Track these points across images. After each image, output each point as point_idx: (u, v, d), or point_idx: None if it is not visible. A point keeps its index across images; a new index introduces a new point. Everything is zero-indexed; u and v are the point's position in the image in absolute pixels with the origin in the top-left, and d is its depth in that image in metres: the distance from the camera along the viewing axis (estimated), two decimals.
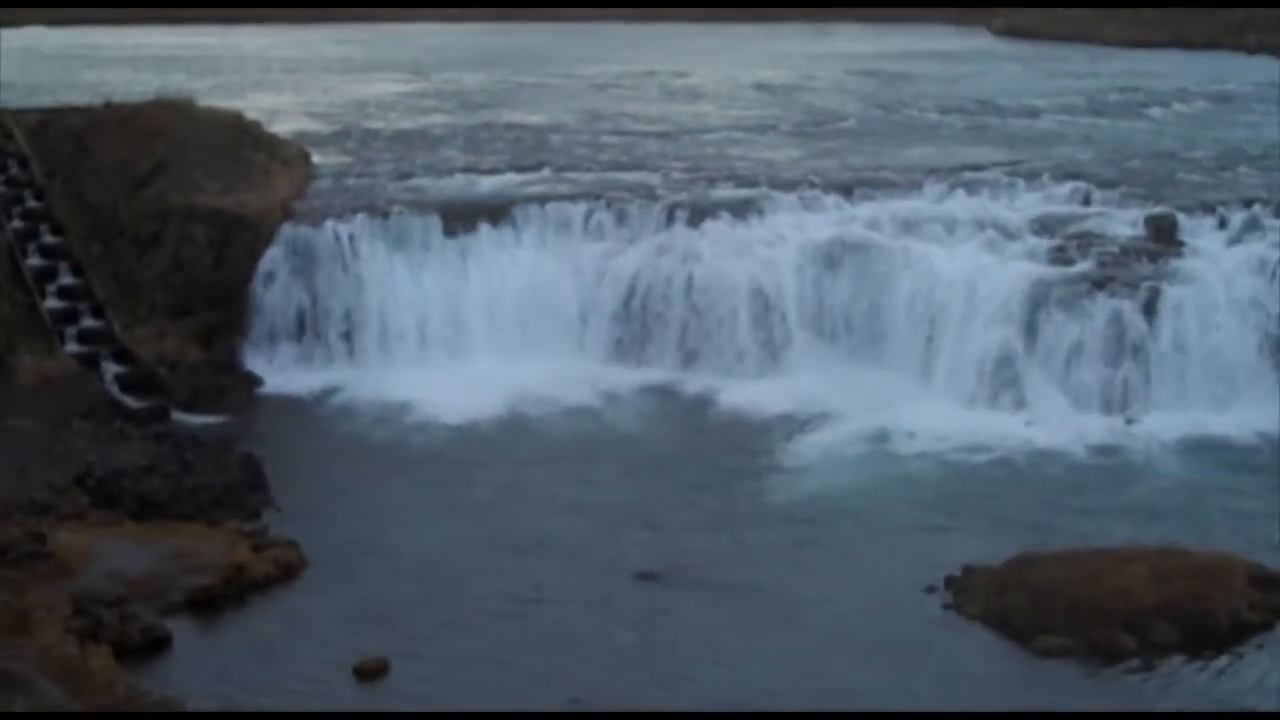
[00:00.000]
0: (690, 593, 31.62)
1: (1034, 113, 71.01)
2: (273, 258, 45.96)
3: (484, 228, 47.54)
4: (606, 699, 27.33)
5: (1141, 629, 29.20)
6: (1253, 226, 46.51)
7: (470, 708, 26.91)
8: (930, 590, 31.42)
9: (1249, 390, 42.53)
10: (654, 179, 52.51)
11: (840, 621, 30.35)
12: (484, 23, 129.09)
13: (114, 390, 42.31)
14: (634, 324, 46.28)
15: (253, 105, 63.72)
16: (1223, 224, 47.07)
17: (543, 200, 48.97)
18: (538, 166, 54.54)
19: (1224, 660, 28.68)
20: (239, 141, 51.52)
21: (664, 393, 44.38)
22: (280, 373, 44.95)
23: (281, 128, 59.19)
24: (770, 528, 35.05)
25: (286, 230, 46.43)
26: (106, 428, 39.68)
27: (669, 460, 39.53)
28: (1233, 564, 31.28)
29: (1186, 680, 28.07)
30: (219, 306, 45.72)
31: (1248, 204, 47.98)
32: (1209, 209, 47.94)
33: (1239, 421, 41.07)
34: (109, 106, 53.84)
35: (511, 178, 52.76)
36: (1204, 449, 39.87)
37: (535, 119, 67.93)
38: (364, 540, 33.92)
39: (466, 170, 54.06)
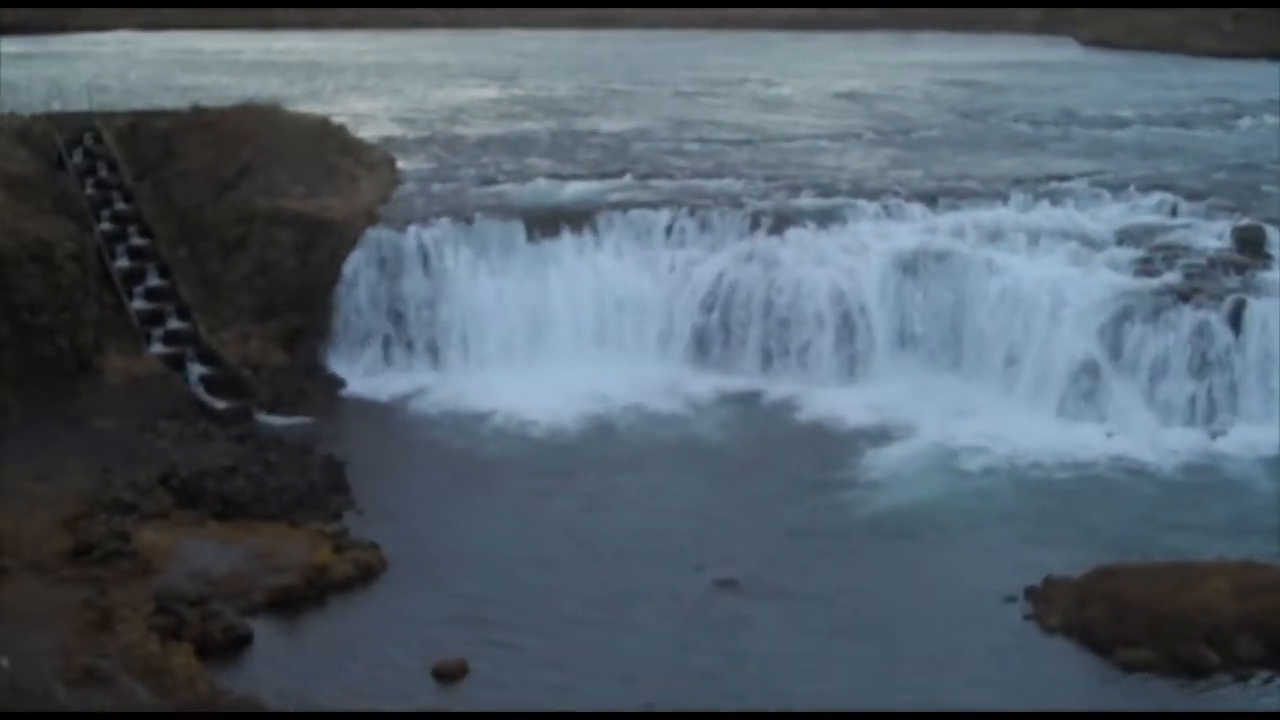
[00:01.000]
0: (769, 601, 31.54)
1: (1121, 124, 70.49)
2: (356, 262, 46.20)
3: (566, 234, 47.65)
4: (683, 705, 27.32)
5: (1224, 643, 28.88)
6: None
7: (549, 710, 26.98)
8: (1010, 600, 31.22)
9: None
10: (738, 186, 52.51)
11: (918, 631, 30.19)
12: (578, 29, 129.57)
13: (199, 391, 42.72)
14: (716, 331, 46.25)
15: (343, 110, 64.27)
16: None
17: (626, 207, 49.06)
18: (621, 173, 54.67)
19: None
20: (325, 146, 51.88)
21: (745, 400, 44.32)
22: (363, 376, 45.20)
23: (369, 133, 59.63)
24: (849, 537, 34.93)
25: (370, 234, 46.67)
26: (191, 428, 40.10)
27: (750, 468, 39.46)
28: None
29: (1271, 695, 27.75)
30: (303, 310, 46.01)
31: None
32: None
33: None
34: (196, 111, 54.42)
35: (595, 184, 52.90)
36: None
37: (621, 126, 68.07)
38: (444, 543, 34.06)
39: (551, 176, 54.22)
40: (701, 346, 46.25)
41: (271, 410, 42.54)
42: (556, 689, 27.74)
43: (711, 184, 52.82)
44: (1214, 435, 41.03)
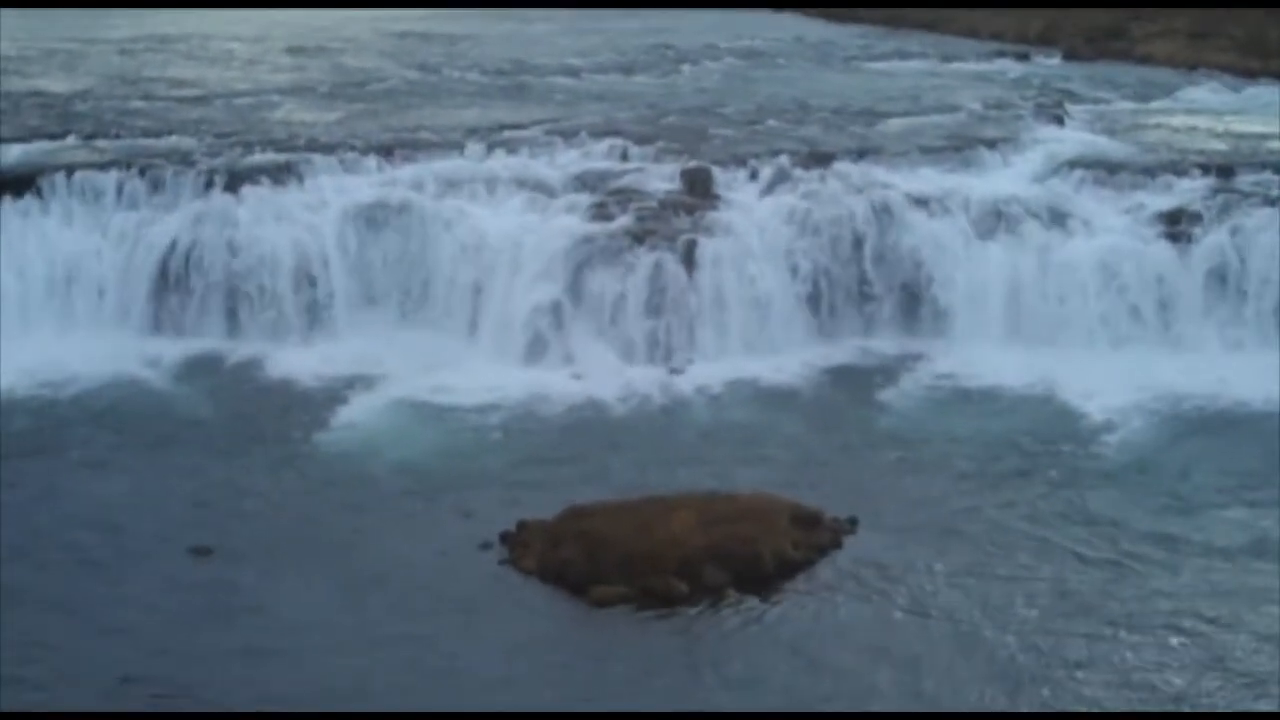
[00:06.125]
0: (248, 565, 31.13)
1: (571, 72, 71.94)
2: None
3: (8, 200, 45.61)
4: (163, 677, 26.77)
5: (693, 573, 30.04)
6: (782, 178, 48.14)
7: (18, 693, 26.02)
8: (485, 547, 31.75)
9: (786, 335, 44.21)
10: (188, 144, 51.23)
11: (396, 585, 30.34)
12: None
13: None
14: (175, 294, 45.02)
15: None
16: (754, 176, 48.55)
17: (71, 169, 47.28)
18: (65, 134, 52.58)
19: (771, 598, 29.84)
20: None
21: (209, 363, 43.38)
22: None
23: None
24: (325, 495, 34.80)
25: None
26: None
27: (216, 431, 38.80)
28: (776, 505, 32.48)
29: (736, 619, 29.09)
30: None
31: (776, 156, 49.68)
32: (741, 162, 49.39)
33: (777, 366, 42.64)
34: None
35: (36, 146, 50.69)
36: (745, 394, 41.25)
37: (61, 85, 65.58)
38: None
39: None
40: (161, 312, 44.99)
41: None
42: (23, 669, 26.70)
43: (161, 143, 51.44)
44: (673, 372, 42.56)
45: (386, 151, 50.26)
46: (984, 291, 45.06)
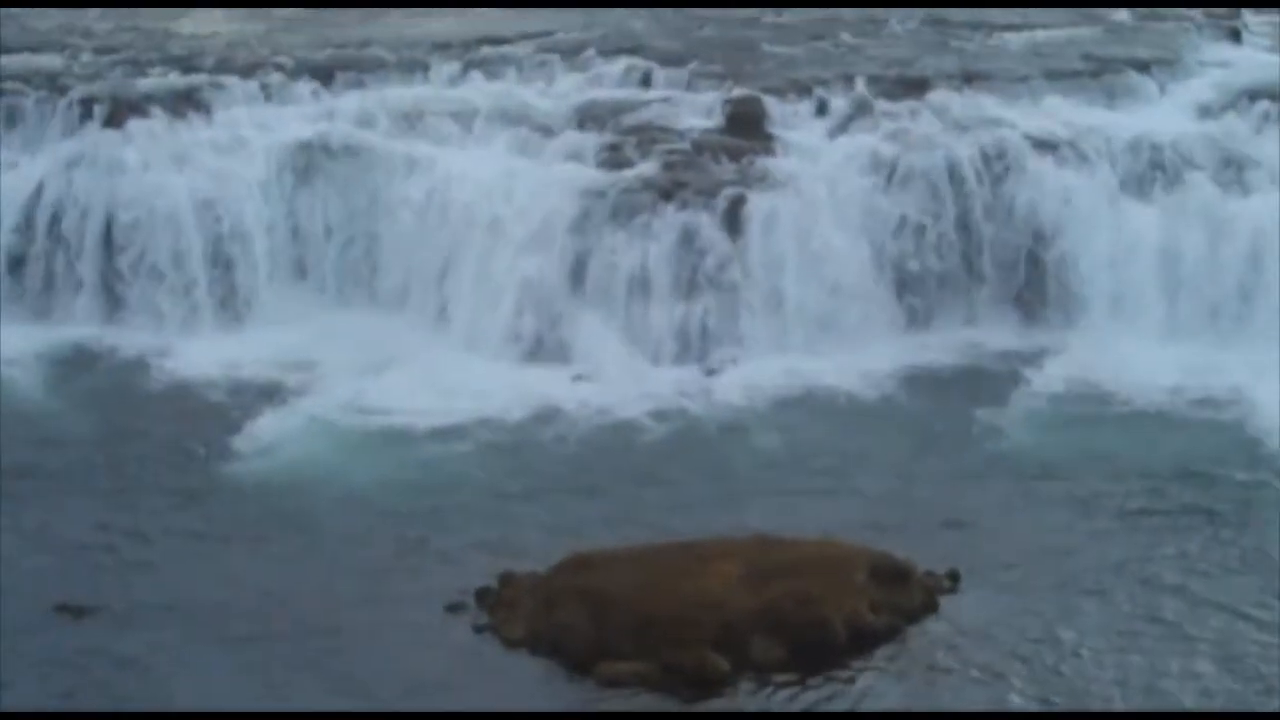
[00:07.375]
0: (133, 632, 31.17)
1: None
2: None
3: None
4: None
5: (737, 646, 29.94)
6: (861, 112, 48.07)
7: None
8: (455, 609, 31.69)
9: (862, 324, 44.06)
10: (57, 63, 51.42)
11: (333, 663, 30.31)
12: None
13: None
14: (39, 264, 45.45)
15: None
16: (821, 109, 48.48)
17: None
18: None
19: (842, 681, 29.69)
20: None
21: (85, 357, 43.73)
22: None
23: None
24: (237, 540, 34.83)
25: None
26: None
27: (94, 453, 38.96)
28: (849, 555, 32.34)
29: (794, 708, 29.02)
30: None
31: (851, 82, 49.54)
32: (804, 90, 49.27)
33: (850, 365, 42.44)
34: None
35: None
36: (808, 405, 41.14)
37: None
38: None
39: None
40: (18, 287, 45.37)
41: None
42: None
43: (21, 61, 51.54)
44: (710, 373, 42.52)
45: (325, 74, 50.31)
46: (1132, 267, 44.96)
